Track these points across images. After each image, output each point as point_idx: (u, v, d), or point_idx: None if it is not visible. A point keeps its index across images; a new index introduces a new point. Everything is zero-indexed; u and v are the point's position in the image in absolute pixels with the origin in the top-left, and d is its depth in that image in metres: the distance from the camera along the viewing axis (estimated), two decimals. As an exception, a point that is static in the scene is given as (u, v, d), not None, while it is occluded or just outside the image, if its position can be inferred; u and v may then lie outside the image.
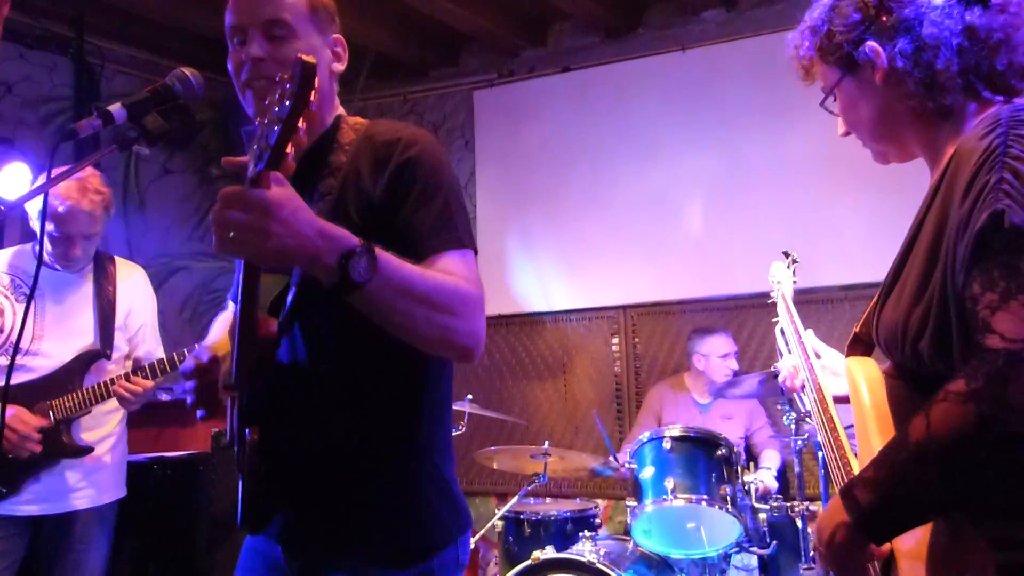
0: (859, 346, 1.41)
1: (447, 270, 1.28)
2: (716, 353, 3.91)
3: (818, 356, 1.62)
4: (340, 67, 1.48)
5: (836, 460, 1.33)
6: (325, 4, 1.46)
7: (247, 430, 1.32)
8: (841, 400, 1.51)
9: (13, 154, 4.01)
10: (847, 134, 1.35)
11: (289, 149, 1.05)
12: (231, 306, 1.70)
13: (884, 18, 1.21)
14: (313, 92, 1.02)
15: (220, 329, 1.67)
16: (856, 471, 1.25)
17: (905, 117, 1.23)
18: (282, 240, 1.07)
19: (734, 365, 3.92)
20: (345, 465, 1.37)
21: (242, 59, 1.39)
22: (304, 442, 1.37)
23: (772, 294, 2.00)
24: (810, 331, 1.67)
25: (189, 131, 4.59)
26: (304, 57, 1.01)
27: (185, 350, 2.50)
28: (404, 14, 4.54)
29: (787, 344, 1.76)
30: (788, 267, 2.03)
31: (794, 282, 1.99)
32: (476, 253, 1.37)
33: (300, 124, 1.03)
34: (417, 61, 5.22)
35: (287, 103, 1.02)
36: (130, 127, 1.39)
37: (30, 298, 1.46)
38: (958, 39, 1.15)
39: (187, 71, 1.43)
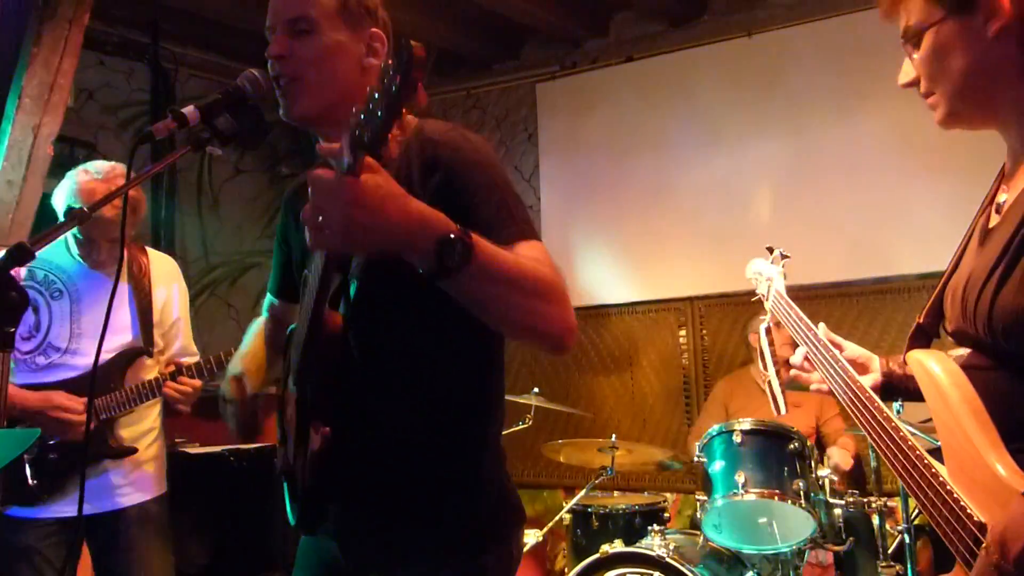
0: (922, 338, 1.32)
1: (530, 255, 1.24)
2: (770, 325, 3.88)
3: (840, 349, 1.49)
4: (374, 62, 1.44)
5: (903, 457, 1.21)
6: None
7: (311, 425, 1.33)
8: (877, 390, 1.40)
9: (95, 158, 4.18)
10: (912, 84, 1.22)
11: (392, 134, 1.02)
12: (263, 317, 1.71)
13: None
14: (421, 77, 0.97)
15: (253, 338, 1.68)
16: (944, 474, 1.15)
17: (1008, 78, 1.12)
18: (370, 232, 1.05)
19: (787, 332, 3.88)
20: (402, 461, 1.37)
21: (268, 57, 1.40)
22: (362, 437, 1.37)
23: (758, 291, 1.86)
24: (822, 325, 1.55)
25: (259, 131, 4.69)
26: (414, 43, 0.96)
27: (232, 349, 2.46)
28: (465, 9, 4.56)
29: (772, 346, 1.68)
30: (773, 263, 1.88)
31: (784, 276, 1.83)
32: None
33: (404, 110, 0.99)
34: (479, 56, 5.23)
35: (392, 88, 0.97)
36: (203, 128, 1.41)
37: (110, 303, 1.44)
38: None
39: (256, 72, 1.45)
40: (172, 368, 2.44)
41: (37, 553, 2.34)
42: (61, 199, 2.43)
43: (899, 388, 1.47)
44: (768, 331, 1.78)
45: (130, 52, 4.64)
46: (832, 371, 1.44)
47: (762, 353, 1.79)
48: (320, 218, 1.04)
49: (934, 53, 1.17)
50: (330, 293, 1.24)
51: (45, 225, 1.38)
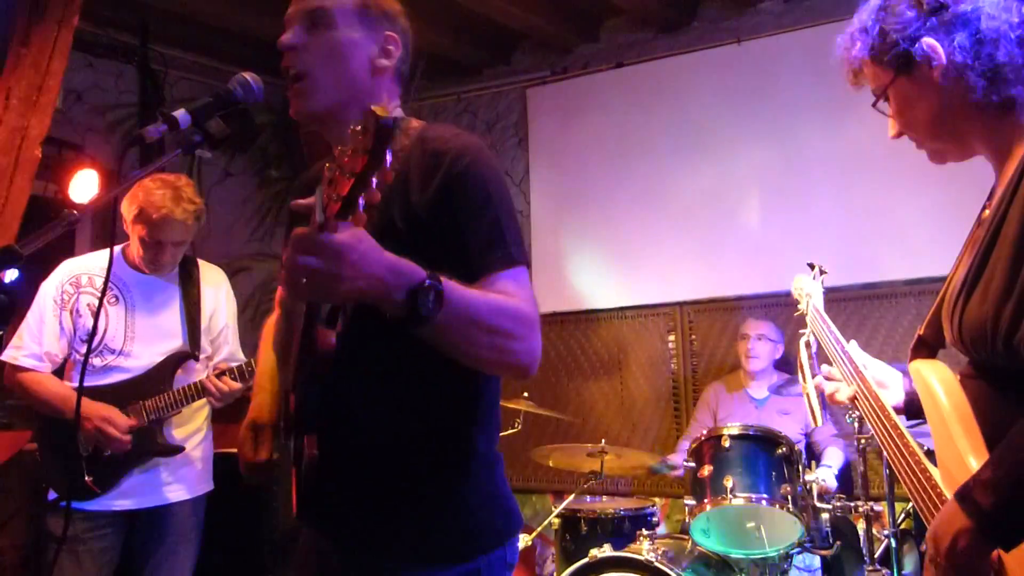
0: (924, 349, 1.39)
1: (504, 291, 1.27)
2: (740, 333, 3.94)
3: (865, 367, 1.57)
4: (386, 62, 1.45)
5: (908, 468, 1.29)
6: (379, 3, 1.46)
7: (304, 438, 1.34)
8: (897, 411, 1.48)
9: (83, 159, 4.16)
10: (899, 135, 1.34)
11: (361, 201, 1.05)
12: (276, 314, 1.71)
13: (940, 14, 1.20)
14: (389, 147, 1.00)
15: (266, 349, 1.68)
16: (936, 478, 1.21)
17: (966, 112, 1.22)
18: (354, 283, 1.08)
19: (758, 351, 3.86)
20: (396, 466, 1.38)
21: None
22: (357, 445, 1.39)
23: (800, 307, 1.96)
24: (853, 342, 1.63)
25: (249, 134, 4.68)
26: (377, 110, 0.98)
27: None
28: (457, 14, 4.56)
29: (812, 358, 1.75)
30: (815, 279, 1.99)
31: (824, 292, 1.95)
32: (529, 266, 1.37)
33: (373, 179, 1.02)
34: (470, 60, 5.24)
35: (361, 159, 1.00)
36: (194, 132, 1.41)
37: (101, 300, 1.49)
38: (1019, 31, 1.15)
39: (247, 76, 1.45)
40: (218, 371, 2.60)
41: (82, 543, 2.48)
42: (129, 207, 2.55)
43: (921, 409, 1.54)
44: (807, 345, 1.84)
45: (119, 54, 4.62)
46: (859, 383, 1.53)
47: (802, 367, 1.84)
48: (304, 277, 1.07)
49: (900, 108, 1.30)
50: (318, 316, 1.24)
51: (33, 228, 1.37)
